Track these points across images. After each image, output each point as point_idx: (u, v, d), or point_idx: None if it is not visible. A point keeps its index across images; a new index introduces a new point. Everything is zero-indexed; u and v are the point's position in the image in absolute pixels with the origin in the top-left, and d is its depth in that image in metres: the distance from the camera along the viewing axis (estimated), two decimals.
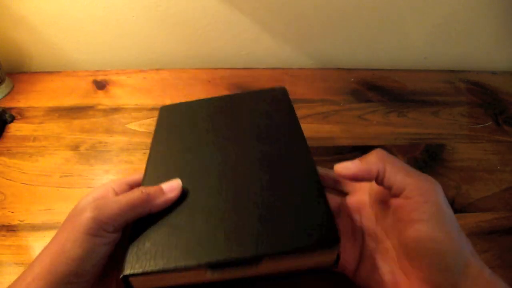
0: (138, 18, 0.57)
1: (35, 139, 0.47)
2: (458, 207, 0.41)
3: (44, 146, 0.46)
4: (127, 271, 0.25)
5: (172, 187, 0.30)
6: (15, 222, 0.38)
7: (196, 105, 0.42)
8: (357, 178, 0.28)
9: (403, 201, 0.26)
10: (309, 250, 0.25)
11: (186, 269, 0.25)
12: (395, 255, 0.28)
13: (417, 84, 0.59)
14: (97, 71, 0.59)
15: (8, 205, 0.39)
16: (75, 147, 0.46)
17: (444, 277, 0.24)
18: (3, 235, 0.36)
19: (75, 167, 0.44)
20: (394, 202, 0.27)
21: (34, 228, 0.37)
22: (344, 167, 0.28)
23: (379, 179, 0.27)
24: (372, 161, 0.28)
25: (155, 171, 0.33)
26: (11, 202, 0.40)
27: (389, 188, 0.27)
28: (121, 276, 0.25)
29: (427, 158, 0.47)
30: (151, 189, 0.29)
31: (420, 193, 0.25)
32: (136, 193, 0.28)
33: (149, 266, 0.25)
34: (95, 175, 0.43)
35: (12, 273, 0.33)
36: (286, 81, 0.58)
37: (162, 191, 0.29)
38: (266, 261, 0.25)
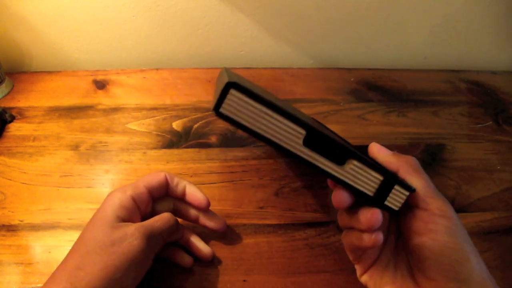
0: (138, 18, 0.57)
1: (35, 139, 0.47)
2: (458, 207, 0.41)
3: (44, 146, 0.46)
4: (231, 79, 0.22)
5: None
6: (15, 222, 0.38)
7: None
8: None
9: (419, 211, 0.26)
10: None
11: (286, 117, 0.23)
12: (405, 266, 0.28)
13: (417, 84, 0.59)
14: (97, 71, 0.59)
15: (8, 205, 0.39)
16: (75, 147, 0.46)
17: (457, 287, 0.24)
18: (3, 235, 0.36)
19: (75, 167, 0.44)
20: (409, 213, 0.27)
21: (34, 228, 0.37)
22: (380, 149, 0.30)
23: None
24: (403, 160, 0.28)
25: None
26: (11, 201, 0.40)
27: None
28: (225, 84, 0.22)
29: (427, 158, 0.47)
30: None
31: (437, 207, 0.26)
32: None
33: (252, 89, 0.22)
34: (95, 175, 0.43)
35: (12, 273, 0.33)
36: (286, 81, 0.58)
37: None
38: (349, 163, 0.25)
